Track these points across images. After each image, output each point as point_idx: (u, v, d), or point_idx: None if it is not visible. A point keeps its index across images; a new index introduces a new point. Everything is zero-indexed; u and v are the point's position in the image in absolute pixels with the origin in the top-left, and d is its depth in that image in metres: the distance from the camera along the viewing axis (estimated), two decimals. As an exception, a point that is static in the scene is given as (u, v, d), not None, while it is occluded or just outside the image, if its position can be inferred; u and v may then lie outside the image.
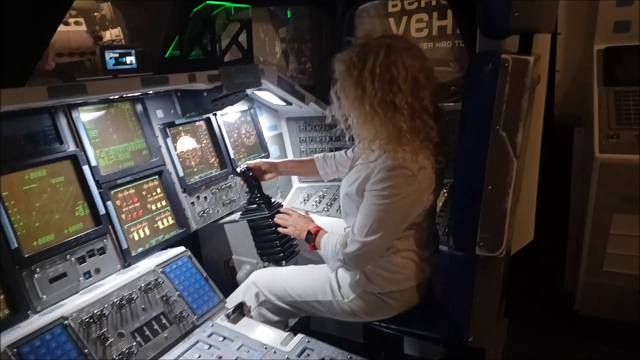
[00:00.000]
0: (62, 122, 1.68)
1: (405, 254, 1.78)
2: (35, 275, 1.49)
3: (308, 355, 1.54)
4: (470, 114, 1.56)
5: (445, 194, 2.55)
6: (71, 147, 1.69)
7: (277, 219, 2.09)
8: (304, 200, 2.73)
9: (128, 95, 1.91)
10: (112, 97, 1.84)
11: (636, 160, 2.18)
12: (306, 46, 4.95)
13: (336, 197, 2.64)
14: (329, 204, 2.65)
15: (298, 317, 2.07)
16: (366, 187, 1.69)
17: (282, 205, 2.21)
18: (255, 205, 2.16)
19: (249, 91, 2.37)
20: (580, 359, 2.61)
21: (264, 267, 2.32)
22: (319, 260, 2.20)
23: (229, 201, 2.31)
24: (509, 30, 1.50)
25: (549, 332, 2.82)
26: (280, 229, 2.07)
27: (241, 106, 2.54)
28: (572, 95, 2.68)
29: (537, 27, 1.58)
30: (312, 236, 1.91)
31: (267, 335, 1.63)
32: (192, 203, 2.12)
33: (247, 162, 2.28)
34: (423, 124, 1.63)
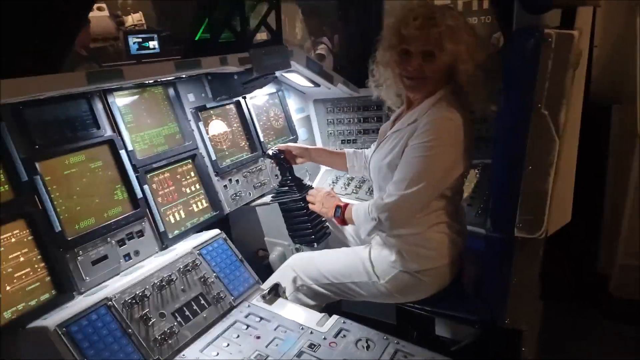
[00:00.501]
0: (99, 107, 1.70)
1: (439, 228, 1.78)
2: (79, 258, 1.53)
3: (344, 335, 1.55)
4: (511, 91, 1.52)
5: (477, 175, 2.51)
6: (108, 131, 1.71)
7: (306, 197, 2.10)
8: (333, 182, 2.72)
9: (161, 79, 1.92)
10: (146, 82, 1.85)
11: (680, 137, 2.10)
12: (328, 26, 4.88)
13: (365, 179, 2.62)
14: (358, 185, 2.64)
15: (331, 301, 2.09)
16: (408, 144, 1.69)
17: (313, 188, 2.21)
18: (286, 188, 2.16)
19: (277, 73, 2.35)
20: (614, 341, 2.57)
21: (296, 249, 2.34)
22: (351, 243, 2.22)
23: (260, 184, 2.32)
24: (553, 3, 1.44)
25: (583, 314, 2.78)
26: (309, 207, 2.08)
27: (269, 89, 2.53)
28: (611, 72, 2.57)
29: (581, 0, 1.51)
30: (342, 209, 1.91)
31: (303, 316, 1.65)
32: (225, 186, 2.14)
33: (279, 145, 2.27)
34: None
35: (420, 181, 1.64)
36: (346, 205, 1.92)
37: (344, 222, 1.93)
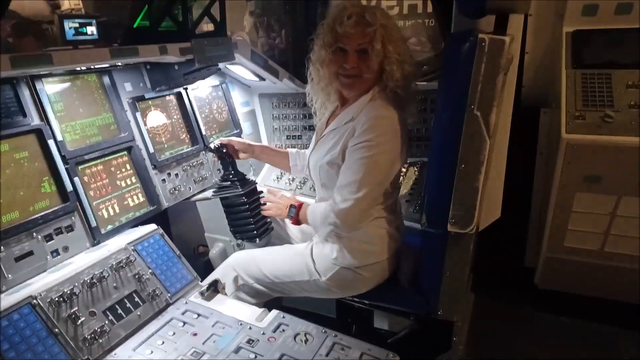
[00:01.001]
0: (25, 93, 1.59)
1: (379, 223, 1.83)
2: (0, 254, 1.43)
3: (283, 330, 1.55)
4: (447, 92, 1.58)
5: (416, 172, 2.60)
6: (35, 120, 1.61)
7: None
8: (277, 178, 2.71)
9: (95, 66, 1.82)
10: (78, 69, 1.76)
11: (600, 140, 2.27)
12: (276, 22, 4.84)
13: (307, 177, 2.64)
14: (302, 181, 2.65)
15: (271, 298, 2.09)
16: (348, 145, 1.72)
17: (256, 183, 2.20)
18: (228, 183, 2.13)
19: (221, 65, 2.31)
20: (540, 330, 2.75)
21: (238, 244, 2.31)
22: (292, 239, 2.23)
23: (200, 178, 2.27)
24: (486, 9, 1.51)
25: (511, 305, 2.95)
26: (263, 211, 2.08)
27: (213, 81, 2.48)
28: (540, 77, 2.74)
29: (514, 7, 1.59)
30: (296, 209, 1.93)
31: (242, 311, 1.64)
32: (163, 180, 2.08)
33: (222, 138, 2.24)
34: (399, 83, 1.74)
35: (371, 181, 1.69)
36: (300, 204, 1.94)
37: (298, 222, 1.95)
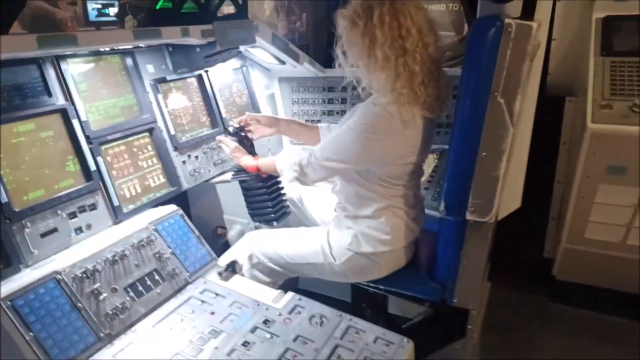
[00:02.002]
0: (51, 74, 1.62)
1: (395, 213, 1.81)
2: (26, 230, 1.47)
3: (299, 312, 1.58)
4: (470, 78, 1.55)
5: (436, 160, 2.57)
6: (60, 100, 1.64)
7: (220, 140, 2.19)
8: (296, 162, 2.72)
9: (118, 48, 1.84)
10: (102, 50, 1.78)
11: (627, 131, 2.21)
12: (296, 5, 4.80)
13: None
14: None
15: (287, 278, 2.11)
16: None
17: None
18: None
19: (242, 48, 2.31)
20: (556, 321, 2.73)
21: (255, 227, 2.33)
22: (311, 223, 2.24)
23: (220, 161, 2.29)
24: (515, -7, 1.47)
25: (527, 295, 2.94)
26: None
27: (233, 64, 2.49)
28: (567, 64, 2.67)
29: (542, -8, 1.55)
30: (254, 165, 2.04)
31: (259, 292, 1.66)
32: (184, 162, 2.10)
33: (248, 113, 2.25)
34: (430, 73, 1.63)
35: (336, 157, 1.72)
36: (256, 162, 2.05)
37: (258, 169, 2.04)
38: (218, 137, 2.21)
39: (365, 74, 1.68)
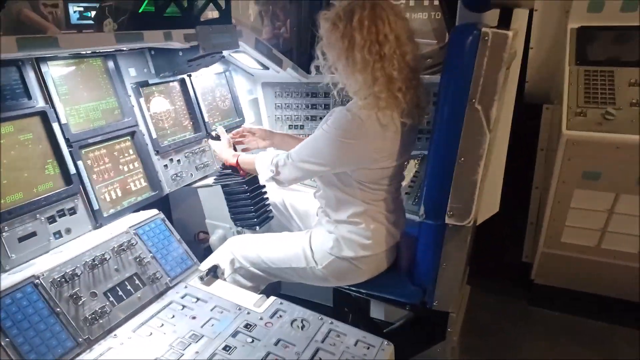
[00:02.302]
0: (31, 75, 1.61)
1: (376, 217, 1.83)
2: (4, 234, 1.45)
3: (281, 316, 1.58)
4: (449, 85, 1.59)
5: (417, 165, 2.61)
6: (40, 102, 1.63)
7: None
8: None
9: (100, 51, 1.83)
10: (83, 53, 1.77)
11: (600, 138, 2.28)
12: (281, 10, 4.82)
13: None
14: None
15: (269, 283, 2.12)
16: None
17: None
18: (229, 170, 2.15)
19: (225, 53, 2.31)
20: (534, 324, 2.78)
21: (237, 232, 2.34)
22: (294, 228, 2.25)
23: (202, 165, 2.29)
24: (491, 3, 1.52)
25: (506, 299, 2.99)
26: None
27: (216, 68, 2.49)
28: (544, 73, 2.74)
29: (518, 1, 1.60)
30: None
31: (241, 297, 1.66)
32: (165, 166, 2.09)
33: (244, 126, 2.27)
34: (408, 80, 1.66)
35: (311, 159, 1.76)
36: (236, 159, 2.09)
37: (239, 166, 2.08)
38: (209, 141, 2.30)
39: (344, 76, 1.70)
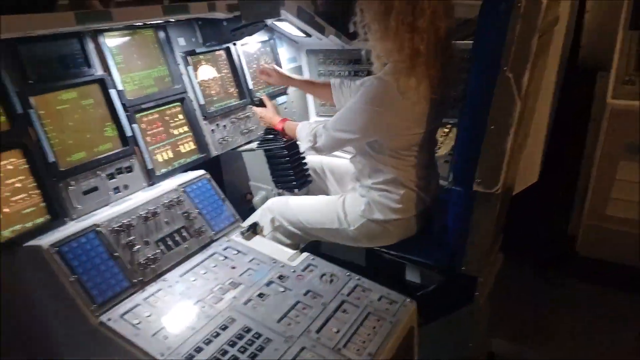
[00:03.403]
0: (90, 46, 1.78)
1: (406, 183, 1.90)
2: (70, 187, 1.66)
3: (312, 270, 1.71)
4: (480, 53, 1.59)
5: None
6: (99, 71, 1.80)
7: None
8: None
9: (151, 22, 1.97)
10: (136, 24, 1.92)
11: (647, 107, 2.18)
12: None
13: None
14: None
15: (308, 242, 2.25)
16: None
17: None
18: (271, 136, 2.27)
19: (268, 21, 2.39)
20: (576, 297, 2.75)
21: (279, 193, 2.47)
22: (330, 192, 2.36)
23: (247, 130, 2.42)
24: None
25: (549, 270, 2.96)
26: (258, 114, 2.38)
27: (261, 36, 2.58)
28: (599, 38, 2.61)
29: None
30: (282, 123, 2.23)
31: (277, 252, 1.80)
32: (212, 130, 2.24)
33: (264, 64, 2.42)
34: (436, 53, 1.69)
35: (345, 128, 1.85)
36: (285, 120, 2.25)
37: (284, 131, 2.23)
38: (253, 108, 2.43)
39: (374, 38, 1.74)
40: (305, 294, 1.59)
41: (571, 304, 2.70)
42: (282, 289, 1.60)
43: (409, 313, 1.58)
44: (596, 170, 2.40)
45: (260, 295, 1.57)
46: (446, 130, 2.63)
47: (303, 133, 2.03)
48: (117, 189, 1.81)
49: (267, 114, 2.31)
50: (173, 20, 2.04)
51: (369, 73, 2.82)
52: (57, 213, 1.60)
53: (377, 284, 1.67)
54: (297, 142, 2.20)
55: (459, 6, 2.92)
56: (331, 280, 1.67)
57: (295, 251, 1.81)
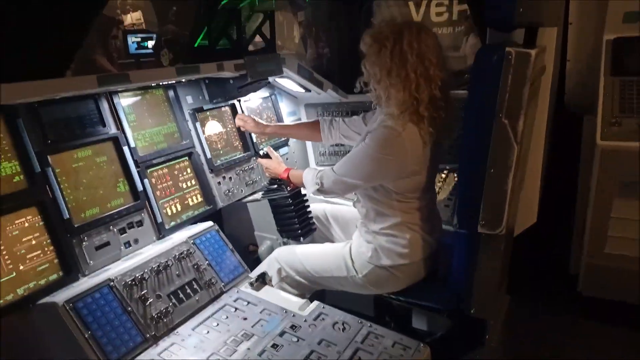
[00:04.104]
0: (105, 106, 1.86)
1: (412, 227, 1.95)
2: (84, 243, 1.68)
3: (323, 319, 1.72)
4: (476, 101, 1.69)
5: (456, 178, 2.69)
6: (112, 129, 1.87)
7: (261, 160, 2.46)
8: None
9: (162, 82, 2.08)
10: (148, 85, 2.02)
11: (636, 147, 2.28)
12: (324, 32, 5.05)
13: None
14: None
15: (314, 291, 2.26)
16: None
17: (302, 186, 2.37)
18: (276, 186, 2.33)
19: (271, 79, 2.52)
20: (583, 336, 2.74)
21: (284, 242, 2.50)
22: (335, 239, 2.39)
23: (251, 182, 2.49)
24: (515, 24, 1.62)
25: (554, 311, 2.95)
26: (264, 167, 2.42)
27: (263, 93, 2.70)
28: (582, 84, 2.76)
29: (541, 21, 1.69)
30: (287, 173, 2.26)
31: (287, 301, 1.81)
32: (219, 183, 2.30)
33: (239, 115, 2.47)
34: (440, 99, 1.80)
35: (351, 173, 1.90)
36: (289, 169, 2.28)
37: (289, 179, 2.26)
38: (259, 160, 2.51)
39: (386, 92, 1.83)
40: (319, 343, 1.59)
41: (579, 343, 2.68)
42: (295, 339, 1.60)
43: (423, 358, 1.58)
44: (592, 209, 2.47)
45: (274, 345, 1.57)
46: (443, 175, 2.71)
47: (309, 177, 2.10)
48: (127, 244, 1.84)
49: (272, 164, 2.38)
50: (183, 80, 2.15)
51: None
52: (70, 269, 1.62)
53: (389, 329, 1.68)
54: (303, 189, 2.27)
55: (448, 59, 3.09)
56: (344, 328, 1.67)
57: (305, 300, 1.82)
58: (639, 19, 2.44)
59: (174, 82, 2.14)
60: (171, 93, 2.15)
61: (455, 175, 2.70)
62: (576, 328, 2.81)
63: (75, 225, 1.66)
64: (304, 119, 3.04)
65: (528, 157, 2.04)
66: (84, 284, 1.59)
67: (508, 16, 1.59)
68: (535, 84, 1.76)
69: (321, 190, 2.05)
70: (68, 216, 1.64)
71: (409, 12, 3.91)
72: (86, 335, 1.44)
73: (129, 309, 1.58)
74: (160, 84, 2.10)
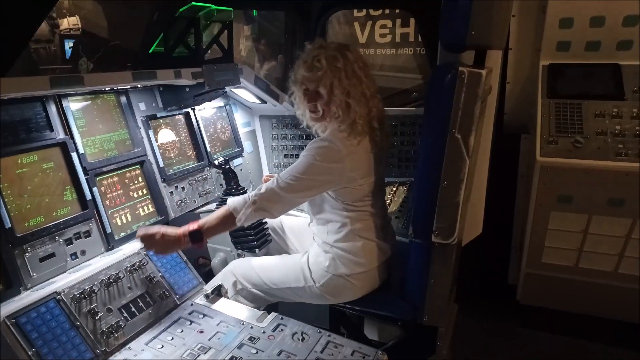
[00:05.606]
0: (53, 110, 1.77)
1: (366, 235, 1.99)
2: (27, 254, 1.58)
3: (282, 330, 1.70)
4: (431, 118, 1.77)
5: (405, 191, 2.78)
6: (61, 134, 1.78)
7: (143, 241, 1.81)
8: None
9: (114, 88, 2.01)
10: (100, 89, 1.94)
11: (571, 163, 2.49)
12: (276, 46, 5.09)
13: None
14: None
15: (269, 304, 2.23)
16: None
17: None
18: (229, 196, 2.30)
19: (227, 88, 2.50)
20: (521, 343, 2.90)
21: (238, 255, 2.46)
22: (291, 250, 2.39)
23: (205, 192, 2.44)
24: (467, 46, 1.72)
25: (494, 320, 3.10)
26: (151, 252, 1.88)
27: (217, 102, 2.68)
28: (520, 105, 2.97)
29: (490, 44, 1.81)
30: (199, 227, 1.83)
31: (244, 313, 1.79)
32: (171, 192, 2.24)
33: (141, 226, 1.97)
34: (371, 114, 1.93)
35: (290, 184, 1.85)
36: (201, 225, 1.84)
37: (202, 240, 1.84)
38: (138, 233, 1.80)
39: (335, 108, 1.89)
40: (278, 354, 1.57)
41: (519, 350, 2.83)
42: (254, 351, 1.58)
43: (381, 365, 1.61)
44: (531, 221, 2.64)
45: (233, 358, 1.54)
46: (394, 188, 2.80)
47: (237, 204, 1.86)
48: (74, 255, 1.74)
49: (168, 230, 1.81)
50: (138, 86, 2.08)
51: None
52: (11, 282, 1.51)
53: (348, 339, 1.70)
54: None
55: (391, 79, 3.26)
56: (303, 339, 1.67)
57: (262, 311, 1.80)
58: (570, 48, 2.67)
59: (127, 87, 2.08)
60: (123, 99, 2.08)
61: (405, 188, 2.80)
62: (515, 335, 2.97)
63: (18, 235, 1.56)
64: (259, 131, 3.04)
65: (475, 171, 2.15)
66: (27, 297, 1.49)
67: (461, 38, 1.69)
68: (484, 102, 1.88)
69: (261, 207, 1.84)
70: (10, 225, 1.54)
71: (354, 32, 4.03)
72: (30, 353, 1.34)
73: (77, 323, 1.49)
74: (113, 89, 2.02)
